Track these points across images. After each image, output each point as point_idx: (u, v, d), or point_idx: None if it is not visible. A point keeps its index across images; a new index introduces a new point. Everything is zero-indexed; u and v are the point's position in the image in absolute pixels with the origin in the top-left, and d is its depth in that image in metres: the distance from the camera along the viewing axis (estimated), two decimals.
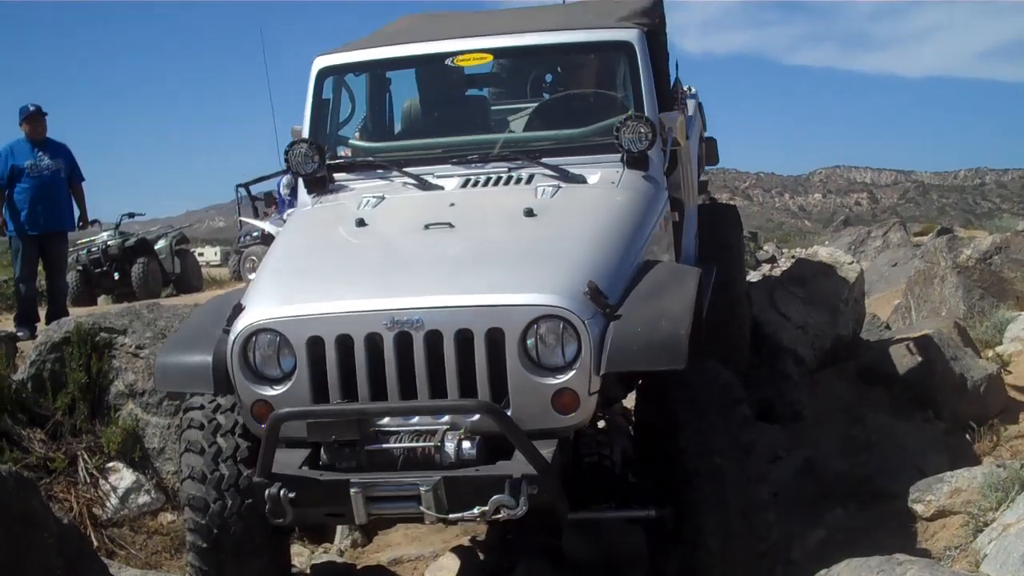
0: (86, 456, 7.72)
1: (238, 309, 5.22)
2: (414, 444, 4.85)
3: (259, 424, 5.02)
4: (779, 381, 8.77)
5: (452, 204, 6.00)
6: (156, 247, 20.93)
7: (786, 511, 5.23)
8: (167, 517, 7.62)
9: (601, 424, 5.68)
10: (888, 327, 11.86)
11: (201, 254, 37.91)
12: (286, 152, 6.49)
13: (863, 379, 8.87)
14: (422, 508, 4.66)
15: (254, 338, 5.05)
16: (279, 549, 5.82)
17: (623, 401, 6.22)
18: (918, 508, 6.73)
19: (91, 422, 7.97)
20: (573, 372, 4.79)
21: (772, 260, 25.64)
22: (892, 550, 4.90)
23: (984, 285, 12.53)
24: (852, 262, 10.29)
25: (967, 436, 7.86)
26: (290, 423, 4.80)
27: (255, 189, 23.02)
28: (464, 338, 4.85)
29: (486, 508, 4.62)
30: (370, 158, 6.83)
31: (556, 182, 6.19)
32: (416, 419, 4.96)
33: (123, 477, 7.74)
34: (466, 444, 4.78)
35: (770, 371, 8.87)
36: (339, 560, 7.38)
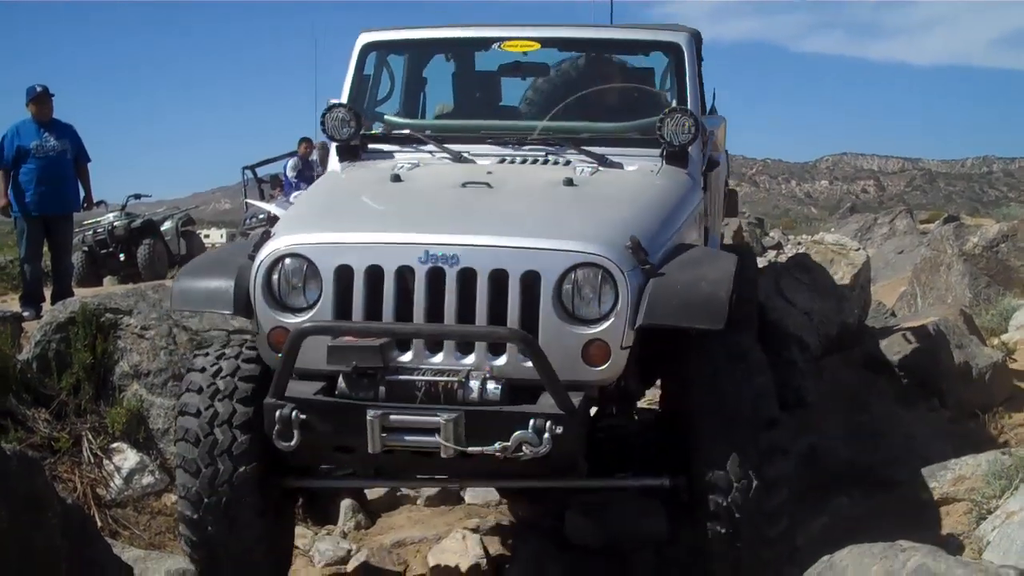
0: (90, 436, 7.72)
1: (265, 237, 5.20)
2: (436, 379, 4.76)
3: (275, 353, 4.96)
4: (784, 368, 8.74)
5: (490, 172, 5.98)
6: (162, 228, 20.90)
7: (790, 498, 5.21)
8: (171, 498, 7.60)
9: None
10: (894, 314, 11.83)
11: (207, 236, 37.91)
12: (323, 115, 6.44)
13: (868, 366, 8.85)
14: (440, 439, 4.59)
15: (280, 263, 5.02)
16: (276, 523, 5.65)
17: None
18: (922, 496, 6.73)
19: (96, 403, 7.96)
20: (607, 323, 4.78)
21: (778, 246, 25.66)
22: (896, 537, 4.88)
23: (990, 273, 12.52)
24: (858, 248, 10.28)
25: (972, 424, 7.85)
26: (310, 346, 4.74)
27: (262, 171, 23.03)
28: (498, 279, 4.81)
29: (508, 444, 4.55)
30: (406, 131, 6.80)
31: (595, 165, 6.21)
32: (440, 358, 4.88)
33: (127, 458, 7.74)
34: (491, 384, 4.72)
35: (775, 357, 8.84)
36: (342, 542, 7.38)
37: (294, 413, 4.71)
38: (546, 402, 4.65)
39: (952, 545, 5.74)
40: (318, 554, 7.17)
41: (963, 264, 12.61)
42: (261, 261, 5.03)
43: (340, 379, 4.82)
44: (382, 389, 4.75)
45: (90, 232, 19.90)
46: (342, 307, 4.92)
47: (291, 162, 18.73)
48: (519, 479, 5.63)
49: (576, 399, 4.67)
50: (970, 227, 14.18)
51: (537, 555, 6.83)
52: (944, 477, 6.77)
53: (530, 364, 4.68)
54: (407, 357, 4.89)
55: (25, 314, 10.29)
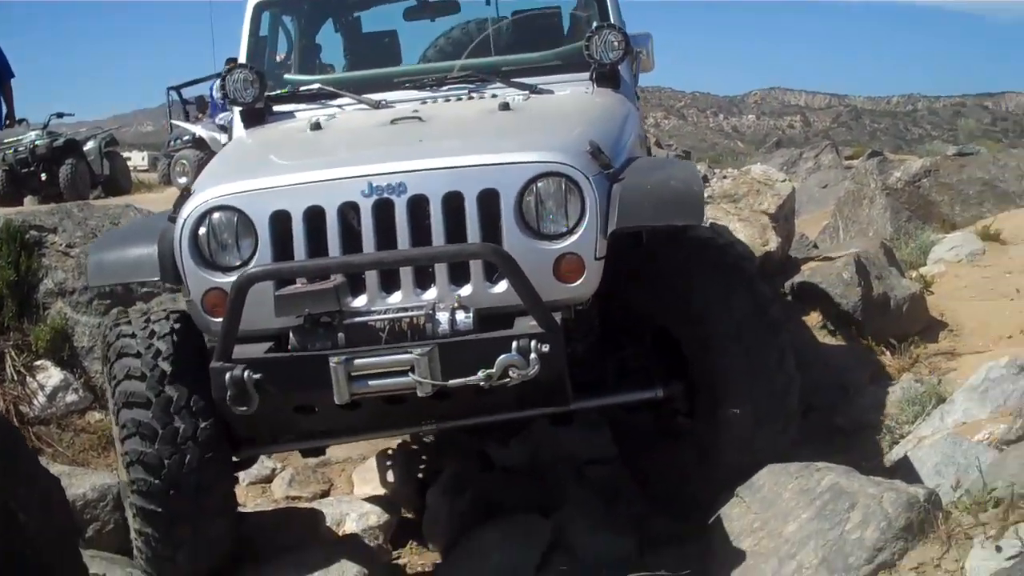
0: (13, 354, 7.69)
1: (186, 195, 4.80)
2: (400, 315, 4.44)
3: (212, 319, 4.61)
4: None
5: (416, 111, 5.63)
6: (85, 148, 20.57)
7: None
8: (94, 416, 7.62)
9: None
10: (816, 246, 11.97)
11: (129, 159, 37.31)
12: (222, 78, 6.07)
13: (790, 296, 8.98)
14: (415, 377, 4.23)
15: (207, 218, 4.61)
16: (232, 492, 5.35)
17: None
18: (839, 422, 6.89)
19: (19, 320, 7.92)
20: (577, 235, 4.50)
21: (704, 179, 25.72)
22: (813, 460, 5.03)
23: (912, 208, 12.70)
24: (784, 180, 10.35)
25: (888, 353, 8.01)
26: (251, 304, 4.35)
27: (187, 93, 22.73)
28: (453, 203, 4.49)
29: (492, 371, 4.22)
30: (315, 86, 6.39)
31: (525, 93, 5.95)
32: (397, 297, 4.53)
33: (51, 375, 7.71)
34: (460, 314, 4.40)
35: None
36: (267, 460, 7.41)
37: (247, 373, 4.29)
38: (523, 324, 4.39)
39: (866, 467, 5.89)
40: (242, 472, 7.20)
41: (885, 198, 12.78)
42: (185, 219, 4.62)
43: (291, 334, 4.46)
44: (340, 336, 4.41)
45: (11, 151, 19.54)
46: (282, 257, 4.54)
47: (218, 83, 18.47)
48: (502, 412, 5.11)
49: (556, 318, 4.39)
50: (893, 163, 14.34)
51: (459, 475, 6.91)
52: (860, 404, 6.93)
53: (497, 290, 4.50)
54: (361, 301, 4.54)
55: None
